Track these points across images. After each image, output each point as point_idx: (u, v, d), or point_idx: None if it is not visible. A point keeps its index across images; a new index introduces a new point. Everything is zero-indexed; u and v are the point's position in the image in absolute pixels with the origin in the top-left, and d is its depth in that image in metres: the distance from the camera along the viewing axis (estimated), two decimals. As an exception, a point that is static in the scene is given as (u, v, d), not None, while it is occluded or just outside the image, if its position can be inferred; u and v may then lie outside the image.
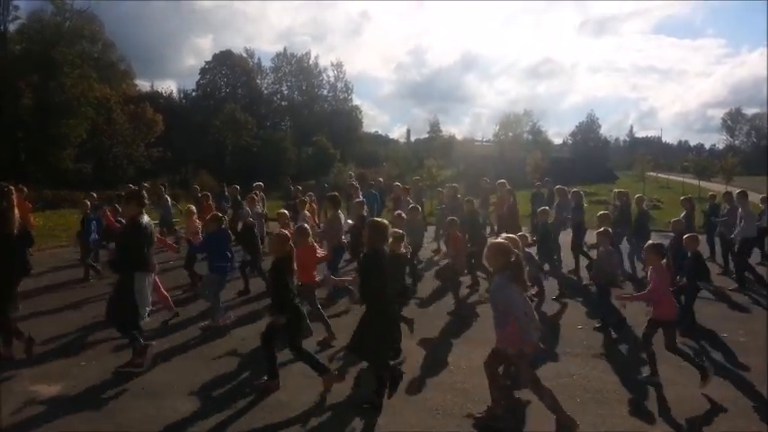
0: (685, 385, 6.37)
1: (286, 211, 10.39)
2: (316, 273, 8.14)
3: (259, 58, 73.97)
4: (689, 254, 8.20)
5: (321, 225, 12.06)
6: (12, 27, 40.82)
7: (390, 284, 5.83)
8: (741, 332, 8.45)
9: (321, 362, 6.21)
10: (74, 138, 38.77)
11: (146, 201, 7.09)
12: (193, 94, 65.69)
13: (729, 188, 31.49)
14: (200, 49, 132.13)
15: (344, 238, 10.52)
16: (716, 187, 31.32)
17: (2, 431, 5.17)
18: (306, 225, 8.54)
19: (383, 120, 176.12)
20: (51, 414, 5.53)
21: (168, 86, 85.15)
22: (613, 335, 8.26)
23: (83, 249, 11.77)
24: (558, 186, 14.07)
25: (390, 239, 6.21)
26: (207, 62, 66.33)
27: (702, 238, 11.27)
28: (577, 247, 12.29)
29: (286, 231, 6.56)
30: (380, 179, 21.80)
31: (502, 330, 5.24)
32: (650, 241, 6.91)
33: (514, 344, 5.17)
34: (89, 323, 8.57)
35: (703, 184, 39.25)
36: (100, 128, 41.85)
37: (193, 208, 11.38)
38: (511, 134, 67.40)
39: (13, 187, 7.15)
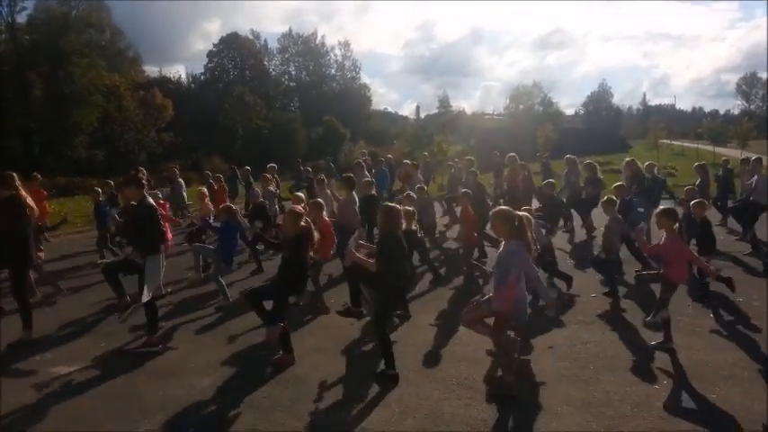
0: (698, 350, 6.38)
1: (300, 194, 10.41)
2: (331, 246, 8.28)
3: (266, 40, 73.61)
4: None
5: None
6: (19, 18, 40.96)
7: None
8: (755, 296, 8.41)
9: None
10: (85, 126, 39.08)
11: (144, 183, 7.11)
12: (202, 77, 65.67)
13: (745, 153, 31.09)
14: (209, 33, 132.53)
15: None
16: (731, 153, 30.89)
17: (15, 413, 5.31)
18: (320, 201, 8.60)
19: (393, 97, 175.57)
20: (73, 395, 5.67)
21: (177, 71, 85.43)
22: (622, 300, 8.29)
23: (99, 235, 11.92)
24: (567, 156, 13.98)
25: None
26: (214, 45, 66.18)
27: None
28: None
29: (299, 208, 6.61)
30: (390, 156, 21.75)
31: (502, 292, 5.30)
32: (662, 206, 6.86)
33: (508, 308, 5.30)
34: (106, 306, 8.72)
35: (718, 149, 38.74)
36: (110, 115, 42.11)
37: (205, 190, 11.46)
38: (522, 107, 66.86)
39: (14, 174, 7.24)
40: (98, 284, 10.14)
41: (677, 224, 6.78)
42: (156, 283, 6.85)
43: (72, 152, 37.94)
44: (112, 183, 13.82)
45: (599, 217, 10.57)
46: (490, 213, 5.62)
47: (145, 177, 7.52)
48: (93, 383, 5.94)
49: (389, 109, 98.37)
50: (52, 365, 6.40)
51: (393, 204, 6.21)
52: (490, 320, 5.60)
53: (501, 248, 5.40)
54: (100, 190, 12.33)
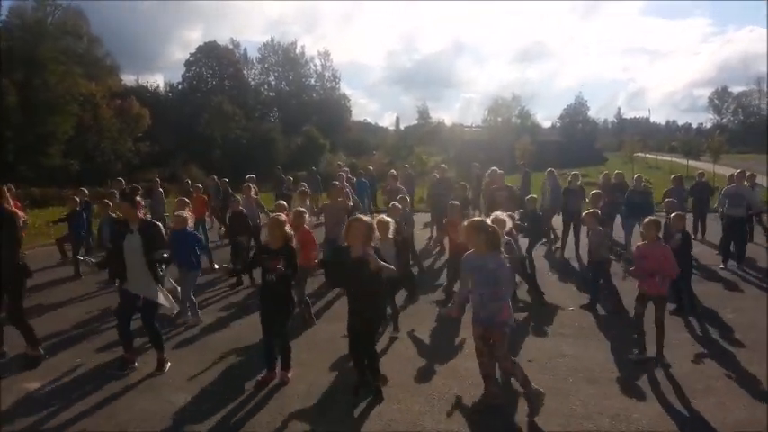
0: (674, 363, 6.48)
1: (284, 202, 10.34)
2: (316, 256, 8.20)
3: (245, 49, 73.38)
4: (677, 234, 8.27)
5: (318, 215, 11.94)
6: (-7, 24, 40.31)
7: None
8: (729, 309, 8.58)
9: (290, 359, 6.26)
10: (60, 135, 38.48)
11: (139, 202, 6.64)
12: (179, 87, 65.14)
13: (717, 167, 31.75)
14: (190, 42, 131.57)
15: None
16: (704, 166, 31.49)
17: None
18: (303, 209, 8.54)
19: (373, 108, 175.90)
20: (48, 412, 5.54)
21: (155, 80, 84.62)
22: (601, 313, 8.41)
23: (73, 246, 11.72)
24: (549, 169, 14.20)
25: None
26: (192, 54, 65.74)
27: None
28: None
29: (283, 216, 6.48)
30: (370, 168, 21.80)
31: (501, 305, 5.25)
32: (651, 217, 6.92)
33: (509, 318, 5.34)
34: (82, 320, 8.60)
35: (691, 163, 39.50)
36: (86, 124, 41.53)
37: (185, 200, 11.33)
38: (500, 119, 67.54)
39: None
40: (76, 299, 10.01)
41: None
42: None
43: (47, 161, 37.31)
44: (86, 191, 13.60)
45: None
46: (464, 225, 5.54)
47: (139, 194, 7.15)
48: (67, 399, 5.82)
49: (369, 120, 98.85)
50: (26, 381, 6.26)
51: (358, 218, 5.85)
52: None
53: (480, 260, 5.27)
54: (78, 199, 12.12)
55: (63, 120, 38.35)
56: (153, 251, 6.24)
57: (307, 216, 8.42)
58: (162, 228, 6.56)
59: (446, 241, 10.03)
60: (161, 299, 6.41)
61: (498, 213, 5.89)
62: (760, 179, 14.96)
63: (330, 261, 6.30)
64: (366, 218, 5.80)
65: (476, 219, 5.55)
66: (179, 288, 8.57)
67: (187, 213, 8.73)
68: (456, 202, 9.40)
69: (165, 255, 6.44)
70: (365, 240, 5.49)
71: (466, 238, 5.40)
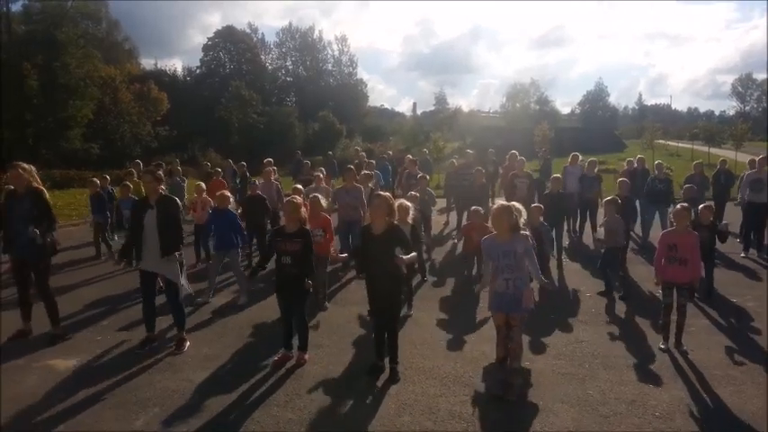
0: (692, 350, 6.44)
1: (300, 186, 10.36)
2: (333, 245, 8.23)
3: (263, 34, 73.69)
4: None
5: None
6: (14, 7, 40.71)
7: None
8: (749, 297, 8.49)
9: (307, 340, 6.31)
10: (80, 118, 38.84)
11: (161, 177, 6.85)
12: (197, 71, 65.33)
13: (739, 155, 31.22)
14: (209, 26, 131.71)
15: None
16: (726, 154, 30.98)
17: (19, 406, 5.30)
18: (319, 195, 8.56)
19: (391, 93, 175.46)
20: (70, 388, 5.65)
21: (173, 64, 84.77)
22: (617, 299, 8.37)
23: (96, 228, 11.86)
24: (573, 153, 14.05)
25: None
26: (209, 38, 65.82)
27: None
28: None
29: (299, 199, 6.50)
30: (390, 152, 21.82)
31: (525, 291, 5.36)
32: (683, 204, 6.82)
33: (531, 303, 5.44)
34: (102, 299, 8.73)
35: (713, 150, 38.86)
36: (106, 108, 41.89)
37: (203, 185, 11.42)
38: (518, 105, 66.99)
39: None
40: (96, 279, 10.17)
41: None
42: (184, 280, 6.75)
43: (67, 144, 37.72)
44: (108, 178, 13.73)
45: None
46: (492, 210, 5.57)
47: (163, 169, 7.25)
48: (90, 376, 5.93)
49: (386, 105, 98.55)
50: (50, 359, 6.39)
51: (380, 195, 5.93)
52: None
53: (507, 245, 5.34)
54: (98, 181, 12.25)
55: (83, 103, 38.69)
56: (167, 224, 6.33)
57: (324, 201, 8.42)
58: (179, 203, 6.62)
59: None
60: (178, 277, 6.49)
61: (516, 204, 5.86)
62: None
63: (358, 244, 6.31)
64: (385, 194, 5.84)
65: (504, 203, 5.54)
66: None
67: (227, 193, 9.01)
68: (480, 208, 9.25)
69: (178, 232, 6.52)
70: (386, 215, 5.56)
71: (493, 222, 5.45)
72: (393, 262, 5.53)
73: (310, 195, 8.60)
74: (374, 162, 15.87)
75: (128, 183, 11.70)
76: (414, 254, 5.77)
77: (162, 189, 6.61)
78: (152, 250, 6.38)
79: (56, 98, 36.89)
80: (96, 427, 4.90)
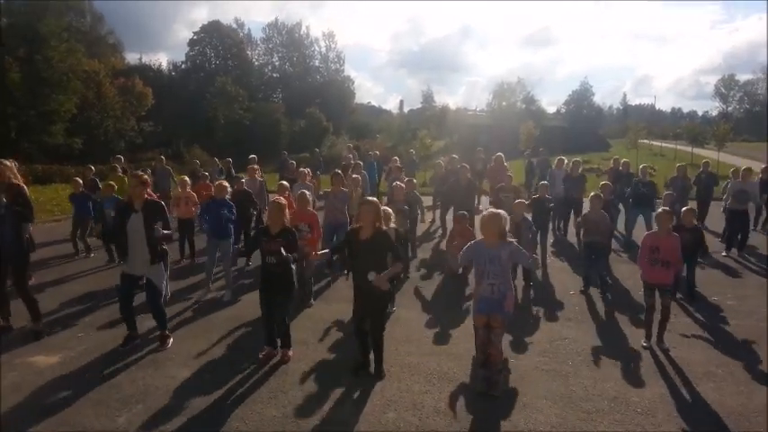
0: (674, 348, 6.52)
1: (286, 183, 10.33)
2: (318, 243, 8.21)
3: (249, 29, 73.12)
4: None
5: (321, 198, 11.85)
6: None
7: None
8: (730, 296, 8.61)
9: (290, 338, 6.32)
10: (63, 112, 38.32)
11: (147, 180, 6.79)
12: (183, 66, 64.79)
13: (722, 155, 31.64)
14: (195, 21, 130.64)
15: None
16: (709, 154, 31.39)
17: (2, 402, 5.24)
18: (307, 192, 8.54)
19: (378, 91, 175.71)
20: (52, 386, 5.60)
21: (158, 59, 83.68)
22: (597, 296, 8.45)
23: (77, 226, 11.65)
24: (559, 157, 14.16)
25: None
26: (195, 33, 65.28)
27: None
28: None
29: (283, 200, 6.48)
30: (377, 152, 21.82)
31: (508, 294, 5.44)
32: (665, 208, 6.89)
33: (512, 307, 5.55)
34: (84, 296, 8.65)
35: (696, 150, 39.32)
36: (89, 102, 41.36)
37: (187, 179, 11.33)
38: (504, 103, 67.20)
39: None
40: (78, 275, 10.06)
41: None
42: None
43: (50, 139, 37.21)
44: (93, 168, 13.54)
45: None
46: (482, 216, 5.59)
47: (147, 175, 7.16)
48: (71, 373, 5.88)
49: (374, 103, 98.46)
50: (31, 356, 6.31)
51: (369, 200, 5.89)
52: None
53: (493, 252, 5.38)
54: (81, 180, 12.04)
55: (66, 97, 38.15)
56: (153, 229, 6.25)
57: (309, 197, 8.42)
58: (165, 207, 6.56)
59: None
60: (162, 282, 6.44)
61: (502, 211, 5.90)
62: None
63: (342, 242, 6.27)
64: (374, 200, 5.84)
65: (493, 210, 5.58)
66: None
67: (225, 183, 9.09)
68: (465, 213, 9.24)
69: (166, 232, 6.45)
70: (374, 221, 5.56)
71: (483, 228, 5.49)
72: (379, 267, 5.53)
73: (298, 191, 8.57)
74: (361, 163, 15.83)
75: (111, 182, 11.56)
76: (399, 265, 5.77)
77: (149, 192, 6.53)
78: (138, 255, 6.31)
79: (38, 92, 36.35)
80: (78, 425, 4.85)
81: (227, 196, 8.86)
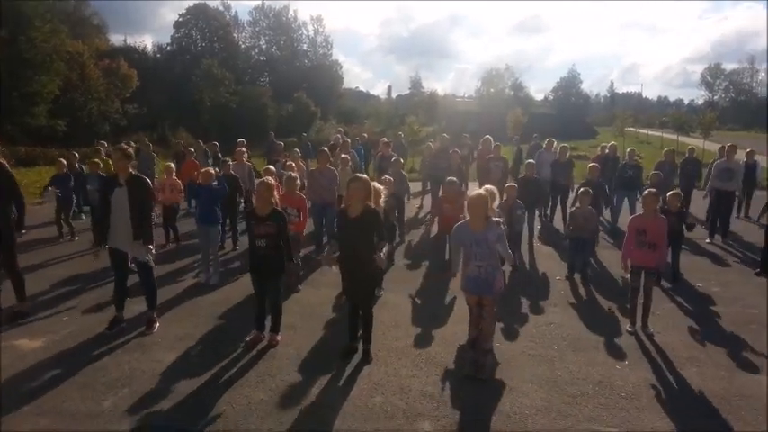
0: (659, 332, 6.60)
1: (272, 167, 10.27)
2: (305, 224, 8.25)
3: (236, 12, 72.20)
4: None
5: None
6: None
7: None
8: (713, 282, 8.71)
9: (280, 322, 6.31)
10: (46, 94, 37.69)
11: (131, 154, 6.69)
12: (168, 48, 63.90)
13: (707, 143, 31.89)
14: (181, 3, 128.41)
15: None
16: (694, 142, 31.59)
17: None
18: (294, 174, 8.49)
19: (366, 76, 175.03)
20: (36, 369, 5.55)
21: (143, 41, 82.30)
22: (586, 282, 8.53)
23: (60, 208, 11.49)
24: (548, 139, 14.18)
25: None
26: (181, 15, 64.32)
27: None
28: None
29: (272, 180, 6.43)
30: (365, 135, 21.72)
31: (497, 275, 5.46)
32: (651, 190, 6.92)
33: (502, 286, 5.59)
34: (69, 279, 8.57)
35: (681, 138, 39.58)
36: (73, 84, 40.68)
37: (172, 166, 11.23)
38: (492, 90, 67.14)
39: None
40: (63, 259, 9.96)
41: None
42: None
43: (33, 120, 36.60)
44: (77, 155, 13.33)
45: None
46: (469, 198, 5.58)
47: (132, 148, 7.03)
48: (56, 357, 5.83)
49: (362, 88, 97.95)
50: (15, 339, 6.25)
51: (357, 177, 5.85)
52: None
53: (480, 234, 5.36)
54: (64, 161, 11.85)
55: (49, 79, 37.50)
56: (138, 204, 6.19)
57: (298, 181, 8.39)
58: (149, 182, 6.49)
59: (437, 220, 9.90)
60: (147, 257, 6.37)
61: (490, 187, 5.90)
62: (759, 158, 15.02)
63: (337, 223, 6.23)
64: (364, 176, 5.81)
65: (480, 192, 5.55)
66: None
67: (211, 169, 8.99)
68: (454, 179, 9.27)
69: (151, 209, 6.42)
70: (364, 199, 5.54)
71: (470, 210, 5.47)
72: (368, 245, 5.52)
73: (286, 175, 8.51)
74: (349, 141, 15.76)
75: (96, 160, 11.43)
76: (386, 243, 5.78)
77: (132, 168, 6.45)
78: (121, 229, 6.24)
79: (21, 73, 35.69)
80: (63, 408, 4.82)
81: (215, 182, 8.76)
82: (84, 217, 11.56)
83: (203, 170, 8.94)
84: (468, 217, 5.54)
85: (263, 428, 4.56)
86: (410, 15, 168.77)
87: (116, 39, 60.91)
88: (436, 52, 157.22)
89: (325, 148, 10.77)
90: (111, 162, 11.97)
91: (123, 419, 4.66)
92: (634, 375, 5.56)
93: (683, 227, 8.28)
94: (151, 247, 6.35)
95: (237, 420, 4.66)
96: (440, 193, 11.68)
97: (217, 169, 9.61)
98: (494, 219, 5.49)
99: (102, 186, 6.53)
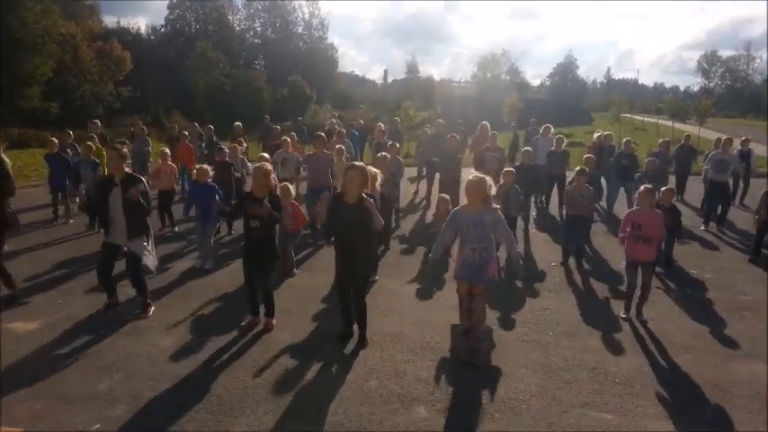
0: (653, 320, 6.63)
1: (267, 155, 10.22)
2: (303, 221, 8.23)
3: (230, -7, 70.96)
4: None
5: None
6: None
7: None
8: (708, 269, 8.75)
9: (273, 306, 6.30)
10: (39, 76, 37.31)
11: (126, 154, 6.51)
12: (162, 30, 63.23)
13: (703, 130, 31.91)
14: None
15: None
16: (690, 129, 31.59)
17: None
18: (290, 185, 8.43)
19: (362, 60, 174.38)
20: (32, 352, 5.54)
21: (137, 23, 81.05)
22: (582, 268, 8.55)
23: (54, 188, 11.37)
24: (545, 125, 14.15)
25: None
26: (175, -4, 63.50)
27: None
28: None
29: (268, 165, 6.39)
30: (361, 121, 21.61)
31: (491, 261, 5.45)
32: (647, 185, 6.92)
33: (495, 273, 5.57)
34: (64, 262, 8.54)
35: (677, 125, 39.59)
36: (66, 66, 40.28)
37: (167, 151, 11.16)
38: (489, 75, 66.76)
39: None
40: (57, 242, 9.91)
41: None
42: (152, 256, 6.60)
43: (25, 103, 36.26)
44: (71, 134, 13.19)
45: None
46: (467, 181, 5.55)
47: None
48: (51, 340, 5.82)
49: (357, 72, 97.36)
50: (9, 322, 6.23)
51: (354, 165, 5.82)
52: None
53: (476, 216, 5.37)
54: (56, 140, 11.72)
55: (41, 60, 37.10)
56: (134, 204, 6.14)
57: (293, 190, 8.43)
58: (144, 183, 6.44)
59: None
60: (145, 254, 6.35)
61: (484, 175, 5.89)
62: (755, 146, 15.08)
63: (329, 209, 6.19)
64: (361, 164, 5.78)
65: (479, 175, 5.51)
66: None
67: (206, 166, 8.84)
68: (446, 196, 9.18)
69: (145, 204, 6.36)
70: (361, 187, 5.52)
71: (467, 192, 5.46)
72: (364, 232, 5.51)
73: (282, 158, 8.47)
74: (344, 131, 15.68)
75: (89, 143, 11.31)
76: (381, 221, 5.75)
77: (126, 165, 6.40)
78: (119, 227, 6.23)
79: (12, 54, 35.29)
80: (58, 392, 4.81)
81: (209, 178, 8.68)
82: (77, 200, 11.45)
83: (198, 167, 8.80)
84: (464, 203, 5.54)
85: (258, 412, 4.57)
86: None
87: (109, 20, 60.24)
88: (432, 36, 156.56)
89: (322, 133, 10.71)
90: (104, 150, 11.86)
91: (118, 403, 4.66)
92: (628, 362, 5.59)
93: (676, 222, 8.27)
94: (146, 244, 6.35)
95: (233, 404, 4.67)
96: (435, 182, 11.68)
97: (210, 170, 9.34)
98: (492, 205, 5.48)
99: (99, 186, 6.52)
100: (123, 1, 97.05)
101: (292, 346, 5.80)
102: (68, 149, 12.22)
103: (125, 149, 6.49)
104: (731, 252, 9.91)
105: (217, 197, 8.43)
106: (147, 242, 6.44)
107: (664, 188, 8.31)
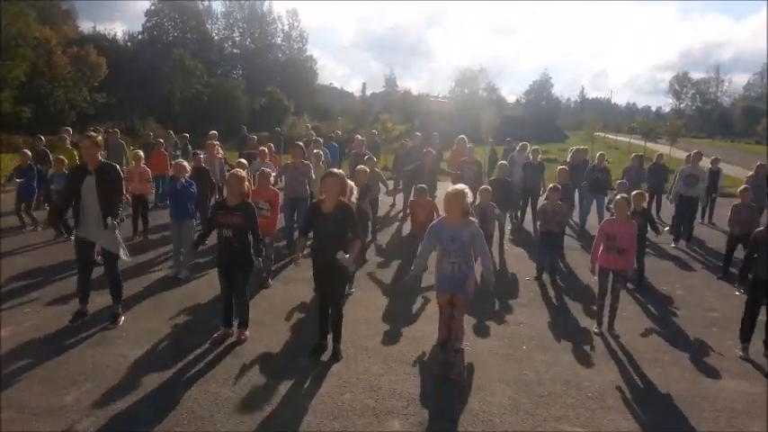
0: (624, 334, 6.71)
1: (245, 161, 10.14)
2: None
3: (209, 2, 71.01)
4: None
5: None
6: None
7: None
8: (678, 286, 8.90)
9: (248, 317, 6.24)
10: (11, 79, 36.63)
11: (101, 142, 6.58)
12: (139, 37, 62.65)
13: (673, 150, 32.61)
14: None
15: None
16: (661, 148, 32.27)
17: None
18: (268, 170, 8.40)
19: (342, 72, 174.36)
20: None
21: (113, 29, 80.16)
22: (552, 283, 8.64)
23: (21, 199, 11.12)
24: (522, 143, 14.32)
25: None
26: (153, 3, 63.07)
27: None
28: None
29: (243, 171, 6.35)
30: (339, 132, 21.61)
31: (470, 274, 5.46)
32: (623, 195, 7.04)
33: (474, 285, 5.57)
34: (32, 270, 8.35)
35: (649, 144, 40.39)
36: (39, 70, 39.62)
37: (141, 153, 11.00)
38: (467, 91, 67.41)
39: None
40: (25, 249, 9.69)
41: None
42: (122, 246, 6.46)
43: (-3, 107, 35.57)
44: (43, 139, 12.95)
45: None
46: (445, 195, 5.55)
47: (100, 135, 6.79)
48: (17, 350, 5.67)
49: (336, 84, 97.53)
50: (-29, 330, 6.06)
51: (332, 172, 5.79)
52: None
53: (455, 231, 5.37)
54: (29, 153, 11.49)
55: (14, 64, 36.46)
56: (108, 191, 6.07)
57: (272, 178, 8.34)
58: (119, 170, 6.36)
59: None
60: (118, 248, 6.24)
61: (463, 186, 5.92)
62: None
63: (306, 218, 6.16)
64: (339, 171, 5.78)
65: (457, 188, 5.50)
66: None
67: (185, 162, 8.80)
68: (424, 186, 9.25)
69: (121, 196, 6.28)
70: (338, 194, 5.53)
71: (446, 206, 5.45)
72: (341, 240, 5.50)
73: (259, 169, 8.42)
74: (321, 140, 15.66)
75: (62, 157, 11.06)
76: (359, 243, 5.77)
77: (101, 155, 6.30)
78: (91, 219, 6.10)
79: (-16, 57, 34.68)
80: (23, 403, 4.68)
81: (187, 173, 8.62)
82: (47, 207, 11.23)
83: (175, 162, 8.77)
84: (443, 215, 5.55)
85: (228, 425, 4.49)
86: (386, 13, 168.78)
87: (85, 25, 59.42)
88: (411, 50, 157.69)
89: (301, 143, 10.69)
90: (76, 152, 11.67)
91: (86, 414, 4.54)
92: (600, 376, 5.64)
93: (648, 228, 8.40)
94: (117, 234, 6.22)
95: (203, 417, 4.59)
96: (411, 193, 11.69)
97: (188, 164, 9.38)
98: (471, 219, 5.51)
99: (71, 175, 6.36)
100: (100, 1, 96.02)
101: (265, 357, 5.73)
102: (40, 152, 11.99)
103: (100, 138, 6.42)
104: (701, 269, 10.09)
105: (192, 190, 8.44)
106: (118, 225, 6.29)
107: (634, 192, 8.42)
